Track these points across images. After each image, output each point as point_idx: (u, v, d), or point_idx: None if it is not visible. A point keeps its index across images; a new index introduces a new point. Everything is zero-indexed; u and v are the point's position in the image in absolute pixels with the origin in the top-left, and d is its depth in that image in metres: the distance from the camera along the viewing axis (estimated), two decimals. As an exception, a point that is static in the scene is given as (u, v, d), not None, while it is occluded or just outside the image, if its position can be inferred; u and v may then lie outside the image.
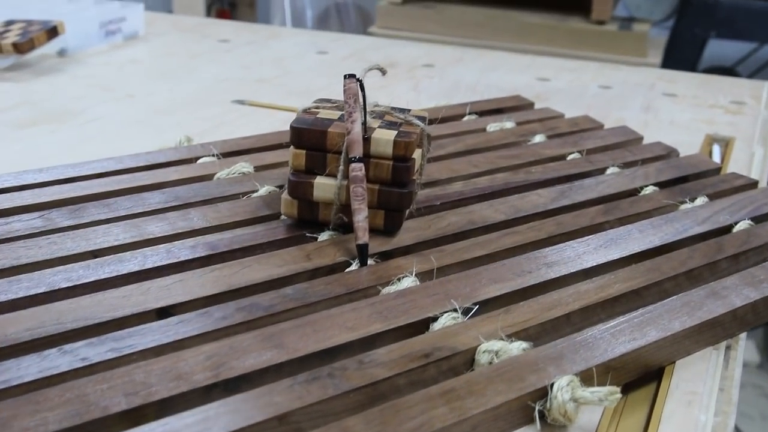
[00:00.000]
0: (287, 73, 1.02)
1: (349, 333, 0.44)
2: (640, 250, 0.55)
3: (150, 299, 0.47)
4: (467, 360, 0.43)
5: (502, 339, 0.44)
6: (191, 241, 0.53)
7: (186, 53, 1.15)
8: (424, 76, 1.07)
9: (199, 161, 0.68)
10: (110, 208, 0.58)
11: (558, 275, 0.51)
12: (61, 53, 1.09)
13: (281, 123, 0.83)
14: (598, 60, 1.56)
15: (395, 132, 0.54)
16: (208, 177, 0.65)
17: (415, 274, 0.50)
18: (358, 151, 0.53)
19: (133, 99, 0.92)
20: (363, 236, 0.51)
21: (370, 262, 0.52)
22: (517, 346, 0.43)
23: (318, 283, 0.49)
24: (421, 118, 0.57)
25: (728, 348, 0.49)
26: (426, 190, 0.63)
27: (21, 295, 0.47)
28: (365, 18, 2.79)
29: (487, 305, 0.48)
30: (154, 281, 0.48)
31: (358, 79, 0.55)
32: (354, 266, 0.52)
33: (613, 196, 0.64)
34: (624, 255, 0.54)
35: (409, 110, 0.59)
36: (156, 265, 0.51)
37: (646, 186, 0.66)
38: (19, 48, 0.99)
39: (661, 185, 0.67)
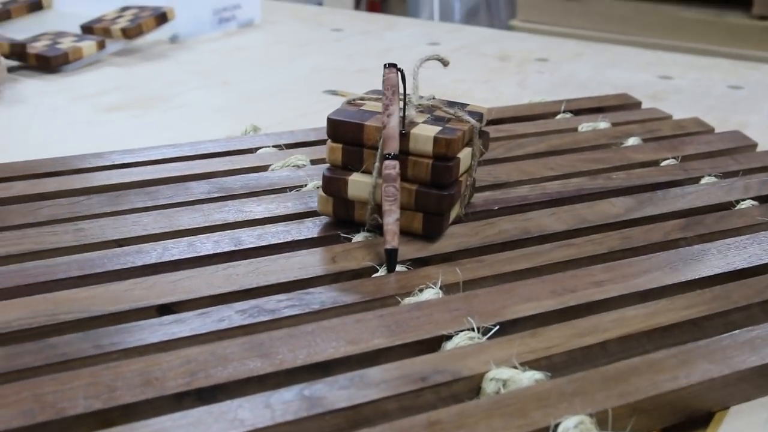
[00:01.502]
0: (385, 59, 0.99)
1: (348, 346, 0.40)
2: (712, 274, 0.48)
3: (152, 294, 0.44)
4: (472, 387, 0.38)
5: (516, 366, 0.38)
6: (217, 236, 0.51)
7: (296, 42, 1.13)
8: (534, 70, 1.01)
9: (259, 151, 0.65)
10: (150, 196, 0.56)
11: (605, 297, 0.45)
12: (173, 39, 1.10)
13: None
14: (760, 59, 1.44)
15: (439, 128, 0.50)
16: (263, 168, 0.62)
17: (441, 286, 0.45)
18: (393, 147, 0.48)
19: (227, 86, 0.91)
20: (392, 240, 0.47)
21: (401, 268, 0.48)
22: (530, 376, 0.38)
23: (335, 288, 0.45)
24: (476, 114, 0.52)
25: (799, 396, 0.42)
26: (486, 193, 0.58)
27: (29, 282, 0.45)
28: (516, 12, 2.72)
29: (513, 326, 0.42)
30: (164, 276, 0.46)
31: (398, 69, 0.50)
32: (381, 272, 0.47)
33: (700, 210, 0.56)
34: (692, 278, 0.47)
35: (467, 105, 0.54)
36: (173, 258, 0.48)
37: (744, 200, 0.58)
38: (128, 33, 1.01)
39: (762, 200, 0.58)
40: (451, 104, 0.54)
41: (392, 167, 0.48)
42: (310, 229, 0.52)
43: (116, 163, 0.62)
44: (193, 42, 1.10)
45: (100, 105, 0.83)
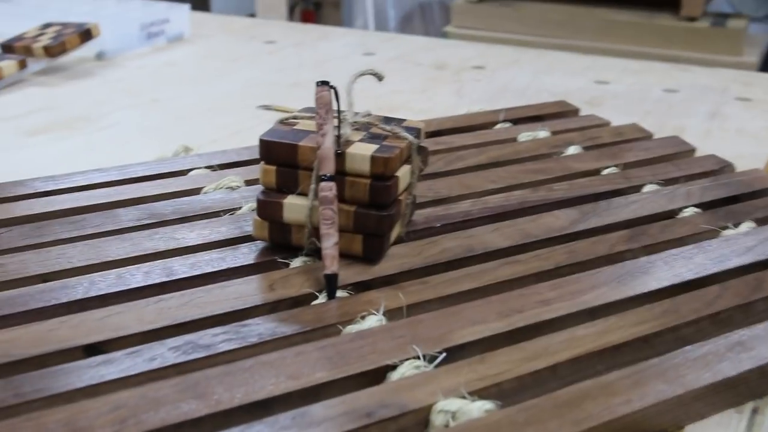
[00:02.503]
0: (325, 76, 0.96)
1: (289, 382, 0.38)
2: (660, 287, 0.47)
3: (78, 334, 0.41)
4: (420, 421, 0.36)
5: (464, 396, 0.37)
6: (148, 266, 0.48)
7: (228, 56, 1.10)
8: (471, 79, 1.00)
9: (191, 173, 0.63)
10: (76, 225, 0.53)
11: (554, 316, 0.43)
12: (100, 56, 1.06)
13: None
14: (690, 60, 1.45)
15: (376, 146, 0.48)
16: (196, 191, 0.59)
17: (384, 311, 0.43)
18: (328, 168, 0.46)
19: (156, 104, 0.88)
20: (331, 265, 0.45)
21: (342, 294, 0.46)
22: (479, 406, 0.36)
23: (273, 318, 0.43)
24: (413, 130, 0.51)
25: (755, 412, 0.41)
26: (428, 210, 0.56)
27: (-57, 325, 0.42)
28: (450, 18, 2.72)
29: (460, 351, 0.41)
30: (91, 312, 0.43)
31: (331, 87, 0.48)
32: (321, 299, 0.45)
33: (644, 219, 0.55)
34: (639, 292, 0.46)
35: (404, 120, 0.53)
36: (101, 292, 0.46)
37: (686, 207, 0.57)
38: (50, 51, 0.97)
39: (705, 206, 0.58)
40: (388, 120, 0.52)
41: (328, 189, 0.46)
42: (246, 255, 0.50)
43: (39, 191, 0.59)
44: (121, 59, 1.07)
45: (22, 128, 0.79)
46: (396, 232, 0.51)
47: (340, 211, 0.47)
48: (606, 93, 0.95)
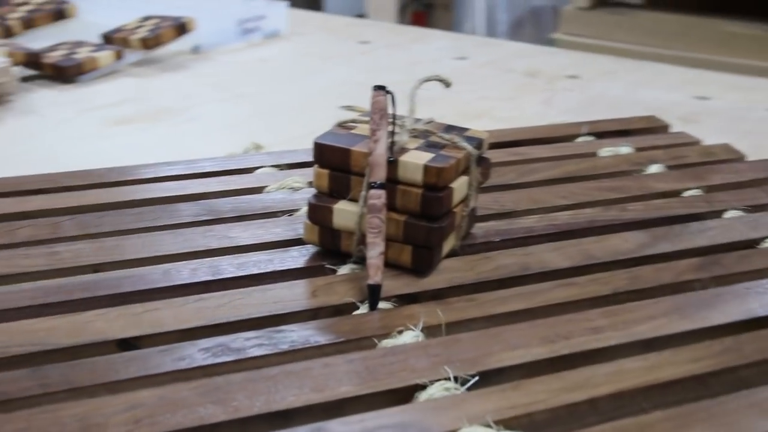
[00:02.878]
0: (413, 79, 0.95)
1: (311, 394, 0.37)
2: (725, 322, 0.43)
3: (115, 327, 0.41)
4: (444, 447, 0.35)
5: (490, 425, 0.35)
6: (196, 263, 0.48)
7: (320, 54, 1.10)
8: (563, 88, 0.97)
9: (257, 171, 0.62)
10: (134, 217, 0.54)
11: (602, 345, 0.41)
12: (195, 50, 1.08)
13: None
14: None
15: (431, 155, 0.46)
16: (258, 190, 0.59)
17: (423, 327, 0.42)
18: (379, 175, 0.45)
19: (242, 99, 0.89)
20: (374, 276, 0.44)
21: (385, 305, 0.44)
22: (503, 438, 0.34)
23: (310, 326, 0.42)
24: (474, 140, 0.49)
25: (815, 467, 0.37)
26: (490, 223, 0.54)
27: (-13, 309, 0.43)
28: (559, 25, 2.66)
29: (496, 376, 0.39)
30: (132, 306, 0.43)
31: (387, 92, 0.47)
32: (362, 309, 0.44)
33: (721, 247, 0.52)
34: (701, 326, 0.43)
35: (466, 129, 0.51)
36: (145, 287, 0.45)
37: (770, 237, 0.53)
38: (146, 43, 0.99)
39: (791, 237, 0.54)
40: (450, 129, 0.50)
41: (377, 197, 0.45)
42: (295, 258, 0.49)
43: (106, 181, 0.59)
44: (215, 53, 1.08)
45: (109, 117, 0.81)
46: (449, 244, 0.49)
47: (390, 221, 0.46)
48: (704, 109, 0.90)
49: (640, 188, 0.60)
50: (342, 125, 0.50)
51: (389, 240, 0.47)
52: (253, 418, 0.35)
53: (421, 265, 0.47)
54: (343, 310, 0.44)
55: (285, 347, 0.40)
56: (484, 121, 0.81)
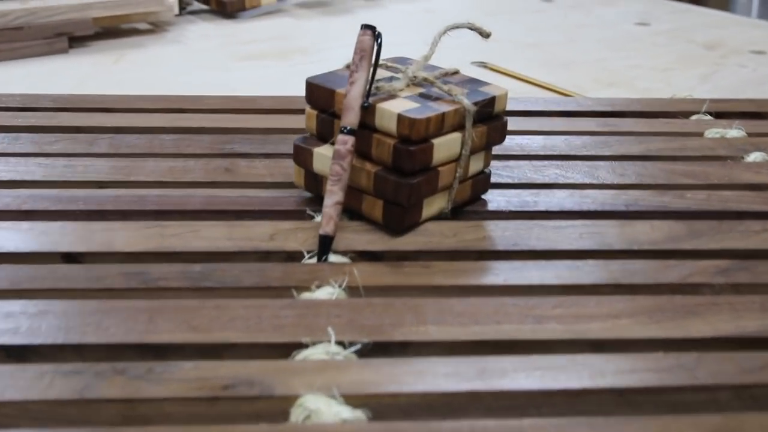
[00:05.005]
0: (571, 42, 0.89)
1: (187, 333, 0.35)
2: (702, 336, 0.36)
3: (65, 242, 0.42)
4: (282, 410, 0.32)
5: (334, 397, 0.32)
6: (188, 191, 0.48)
7: (492, 8, 1.06)
8: (736, 63, 0.85)
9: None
10: (172, 143, 0.54)
11: (531, 337, 0.36)
12: (369, -5, 1.07)
13: (512, 93, 0.71)
14: None
15: (416, 105, 0.42)
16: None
17: (346, 287, 0.39)
18: (349, 120, 0.42)
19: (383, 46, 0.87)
20: (326, 225, 0.41)
21: (340, 259, 0.42)
22: (336, 412, 0.31)
23: (240, 268, 0.40)
24: (484, 96, 0.44)
25: None
26: (514, 191, 0.49)
27: None
28: None
29: (396, 349, 0.35)
30: (95, 223, 0.44)
31: (374, 32, 0.43)
32: (307, 258, 0.42)
33: (762, 254, 0.43)
34: (666, 336, 0.36)
35: (486, 84, 0.46)
36: (124, 208, 0.46)
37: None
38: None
39: None
40: (467, 83, 0.46)
41: (343, 142, 0.42)
42: (282, 200, 0.47)
43: (175, 107, 0.61)
44: (387, 1, 1.07)
45: (243, 53, 0.83)
46: (437, 206, 0.45)
47: (362, 171, 0.43)
48: None
49: (720, 177, 0.52)
50: (348, 66, 0.47)
51: (362, 192, 0.44)
52: (118, 346, 0.35)
53: (392, 223, 0.43)
54: (296, 257, 0.42)
55: (208, 284, 0.39)
56: (613, 90, 0.74)
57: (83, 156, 0.52)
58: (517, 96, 0.67)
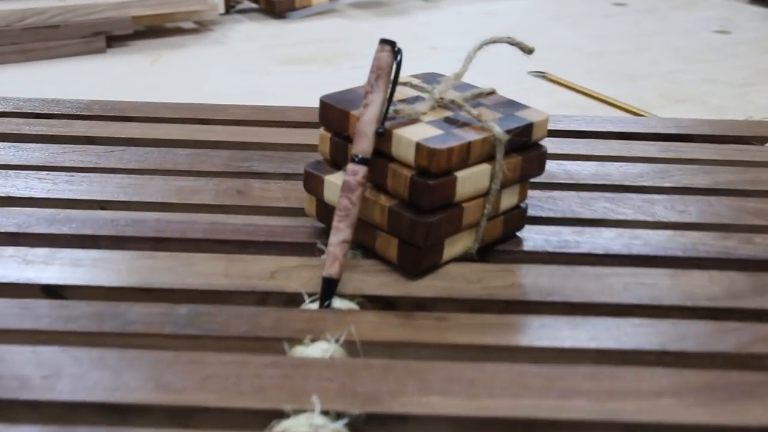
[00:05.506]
0: (640, 51, 0.82)
1: (156, 393, 0.31)
2: (755, 425, 0.30)
3: (43, 276, 0.38)
4: (248, 497, 0.27)
5: (307, 488, 0.27)
6: (188, 216, 0.43)
7: (556, 13, 0.99)
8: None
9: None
10: (185, 158, 0.50)
11: (554, 416, 0.30)
12: (427, -4, 1.02)
13: (558, 106, 0.65)
14: None
15: (439, 132, 0.37)
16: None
17: (343, 342, 0.34)
18: (362, 147, 0.37)
19: (431, 52, 0.82)
20: (330, 267, 0.36)
21: (346, 305, 0.37)
22: None
23: (231, 312, 0.36)
24: (519, 122, 0.39)
25: None
26: (555, 228, 0.43)
27: None
28: None
29: (393, 423, 0.30)
30: (91, 252, 0.40)
31: (394, 48, 0.38)
32: (308, 303, 0.37)
33: None
34: (713, 422, 0.30)
35: (523, 107, 0.40)
36: (118, 233, 0.42)
37: None
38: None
39: None
40: (502, 105, 0.40)
41: (353, 173, 0.37)
42: (293, 231, 0.43)
43: (195, 117, 0.57)
44: (446, 3, 1.01)
45: (284, 56, 0.79)
46: (461, 245, 0.39)
47: (375, 205, 0.38)
48: None
49: (798, 218, 0.45)
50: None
51: (376, 228, 0.39)
52: (78, 405, 0.30)
53: (408, 264, 0.38)
54: (297, 299, 0.37)
55: (190, 331, 0.34)
56: (681, 107, 0.67)
57: (89, 171, 0.49)
58: (572, 113, 0.62)
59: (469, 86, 0.43)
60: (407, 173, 0.37)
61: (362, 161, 0.37)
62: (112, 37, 0.79)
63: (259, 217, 0.44)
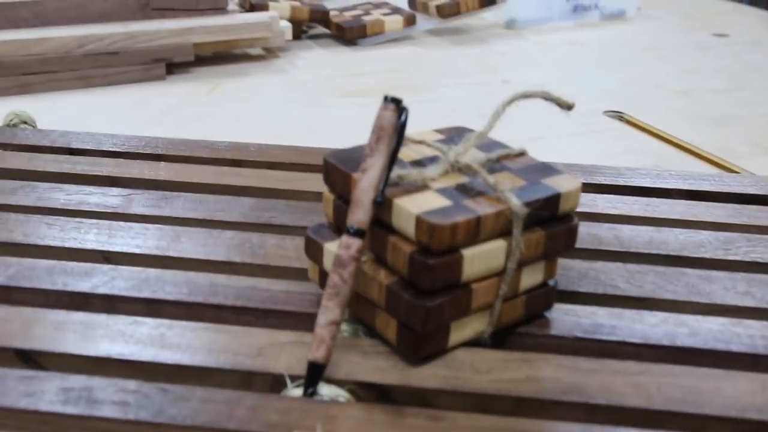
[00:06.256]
0: (735, 90, 0.75)
1: (96, 495, 0.28)
2: None
3: (23, 335, 0.36)
4: None
5: None
6: (188, 277, 0.40)
7: (647, 44, 0.93)
8: None
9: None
10: (196, 204, 0.47)
11: None
12: (509, 24, 0.97)
13: (632, 153, 0.60)
14: None
15: (448, 203, 0.33)
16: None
17: (322, 443, 0.30)
18: (357, 218, 0.33)
19: (502, 86, 0.77)
20: (316, 350, 0.32)
21: (335, 392, 0.33)
22: None
23: (202, 396, 0.32)
24: (543, 192, 0.34)
25: None
26: (590, 309, 0.38)
27: None
28: None
29: None
30: (77, 315, 0.37)
31: (399, 105, 0.34)
32: (290, 390, 0.33)
33: None
34: None
35: (554, 172, 0.36)
36: (109, 292, 0.39)
37: None
38: (442, 12, 0.91)
39: None
40: (534, 169, 0.36)
41: (346, 247, 0.33)
42: (298, 297, 0.39)
43: (238, 158, 0.54)
44: (530, 30, 0.96)
45: (347, 87, 0.75)
46: (472, 328, 0.35)
47: (374, 281, 0.34)
48: None
49: None
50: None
51: (375, 306, 0.35)
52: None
53: (407, 349, 0.34)
54: (282, 381, 0.34)
55: (146, 417, 0.31)
56: (750, 162, 0.60)
57: (100, 217, 0.46)
58: (646, 162, 0.56)
59: (498, 145, 0.38)
60: (407, 249, 0.33)
61: (357, 233, 0.33)
62: (174, 63, 0.78)
63: (264, 279, 0.41)
